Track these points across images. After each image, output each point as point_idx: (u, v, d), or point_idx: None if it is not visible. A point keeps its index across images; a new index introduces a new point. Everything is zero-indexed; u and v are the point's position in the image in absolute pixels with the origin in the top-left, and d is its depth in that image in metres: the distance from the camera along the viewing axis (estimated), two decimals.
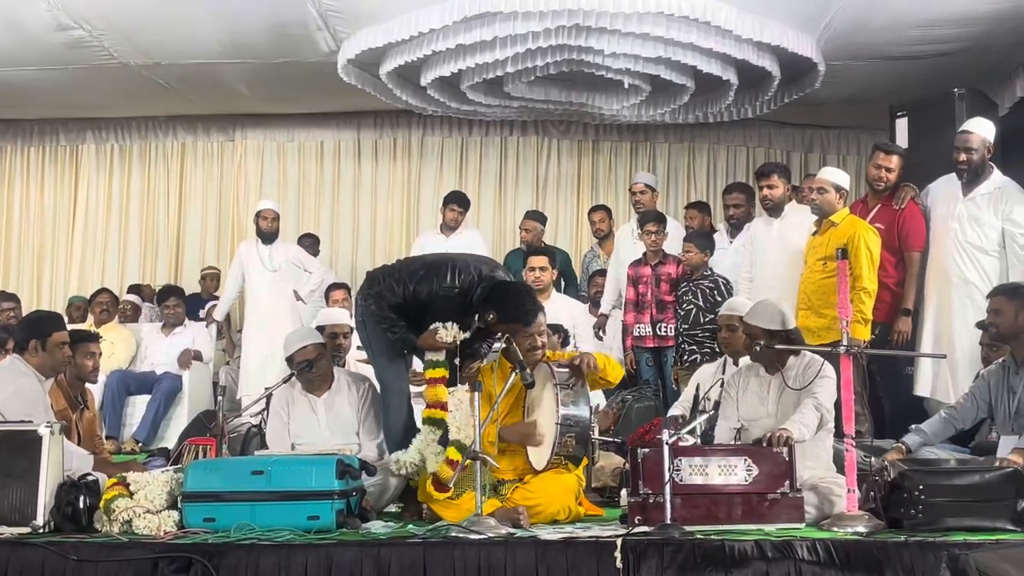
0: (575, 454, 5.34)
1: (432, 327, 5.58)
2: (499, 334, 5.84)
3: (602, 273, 9.36)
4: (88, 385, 6.73)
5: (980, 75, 8.86)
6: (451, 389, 5.60)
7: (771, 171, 7.72)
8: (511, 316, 5.53)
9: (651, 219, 8.38)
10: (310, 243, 10.60)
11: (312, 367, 6.03)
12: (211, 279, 11.43)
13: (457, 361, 5.68)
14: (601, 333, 8.73)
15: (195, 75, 10.03)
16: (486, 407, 5.23)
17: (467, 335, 5.65)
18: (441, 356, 5.64)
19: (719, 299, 7.69)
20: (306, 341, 6.17)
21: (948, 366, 6.81)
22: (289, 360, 6.13)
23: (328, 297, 9.38)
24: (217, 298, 11.09)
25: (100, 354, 6.65)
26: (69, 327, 6.32)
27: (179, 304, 10.02)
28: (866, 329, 6.65)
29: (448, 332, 5.55)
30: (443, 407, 5.54)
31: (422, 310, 5.70)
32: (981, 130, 6.93)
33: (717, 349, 7.45)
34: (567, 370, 5.42)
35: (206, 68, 9.76)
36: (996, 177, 6.93)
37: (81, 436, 6.40)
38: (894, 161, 7.21)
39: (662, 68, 8.77)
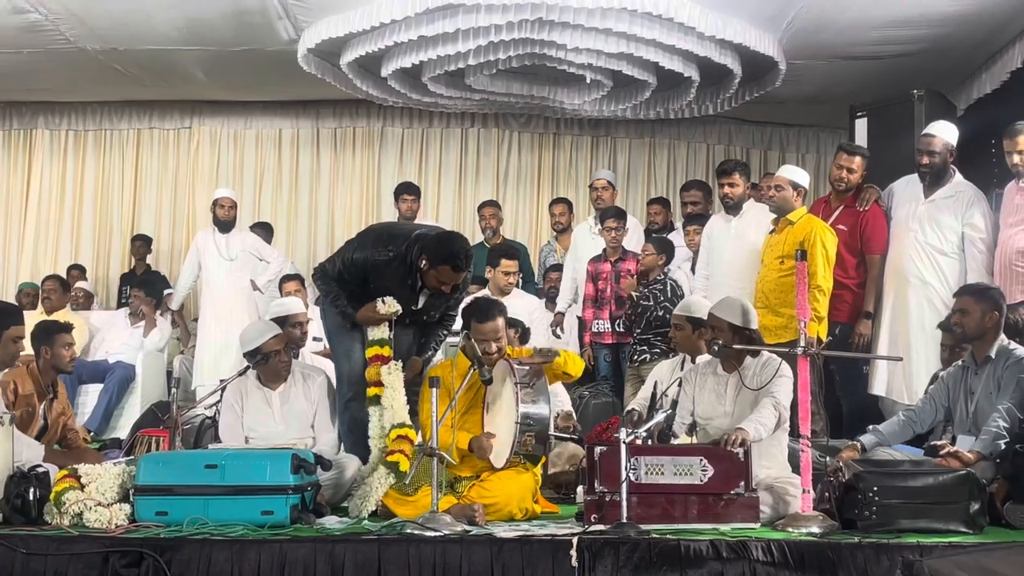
0: (534, 453, 5.31)
1: (371, 303, 5.71)
2: (447, 327, 5.98)
3: (557, 268, 9.36)
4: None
5: (939, 77, 8.93)
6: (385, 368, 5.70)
7: (732, 169, 7.73)
8: (439, 256, 5.62)
9: (611, 215, 8.38)
10: (262, 232, 10.49)
11: (268, 361, 5.98)
12: (141, 245, 11.41)
13: (391, 335, 5.79)
14: (559, 331, 8.72)
15: (152, 61, 9.91)
16: (444, 404, 5.19)
17: (420, 301, 5.87)
18: (384, 334, 5.77)
19: (668, 302, 7.70)
20: (269, 334, 6.10)
21: (903, 366, 6.85)
22: (252, 353, 6.05)
23: (281, 288, 9.32)
24: (149, 266, 11.19)
25: (74, 344, 6.62)
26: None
27: (137, 295, 9.91)
28: (821, 327, 6.69)
29: (385, 306, 5.68)
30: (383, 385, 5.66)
31: (363, 280, 5.83)
32: (944, 134, 6.97)
33: (666, 349, 7.51)
34: (527, 368, 5.37)
35: (163, 54, 9.64)
36: (957, 180, 6.97)
37: (49, 425, 6.33)
38: (856, 162, 7.24)
39: (624, 64, 8.78)
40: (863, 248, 7.13)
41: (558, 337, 8.61)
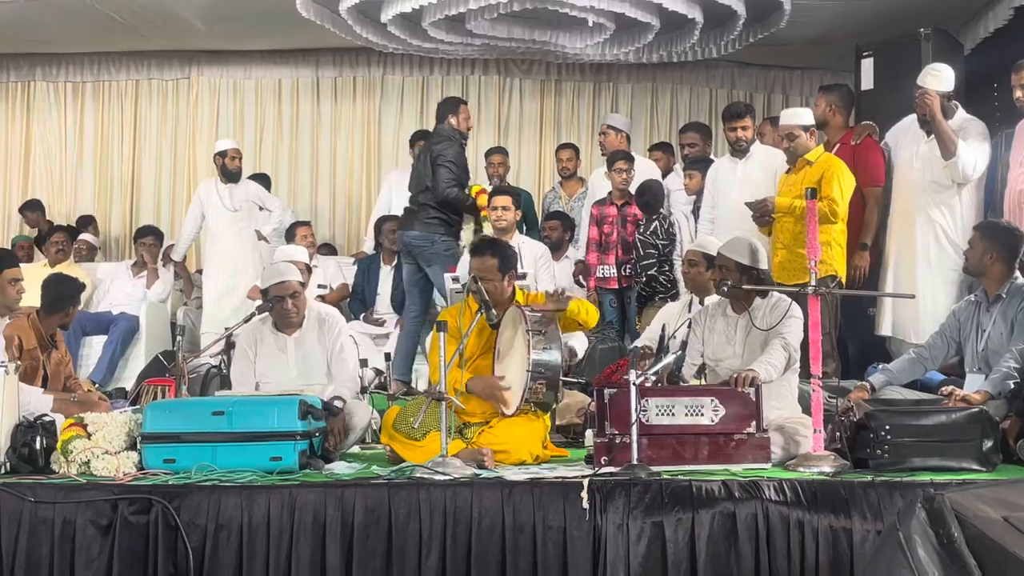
0: (545, 401, 5.27)
1: None
2: None
3: (556, 216, 9.25)
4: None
5: (946, 15, 8.81)
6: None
7: (745, 112, 7.58)
8: None
9: (621, 157, 8.33)
10: (260, 183, 10.41)
11: (274, 307, 5.89)
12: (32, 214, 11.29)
13: None
14: (581, 279, 8.67)
15: (150, 10, 9.80)
16: (453, 347, 5.15)
17: None
18: None
19: (657, 241, 7.77)
20: (276, 279, 5.96)
21: (911, 304, 6.78)
22: (264, 293, 5.98)
23: (295, 234, 9.32)
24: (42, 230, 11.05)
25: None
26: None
27: (155, 244, 9.90)
28: (840, 263, 6.65)
29: None
30: None
31: None
32: (937, 85, 6.77)
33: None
34: (539, 314, 5.31)
35: (161, 3, 9.56)
36: (959, 116, 6.83)
37: (50, 376, 6.29)
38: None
39: (627, 5, 8.64)
40: (859, 181, 6.99)
41: (581, 286, 8.55)
